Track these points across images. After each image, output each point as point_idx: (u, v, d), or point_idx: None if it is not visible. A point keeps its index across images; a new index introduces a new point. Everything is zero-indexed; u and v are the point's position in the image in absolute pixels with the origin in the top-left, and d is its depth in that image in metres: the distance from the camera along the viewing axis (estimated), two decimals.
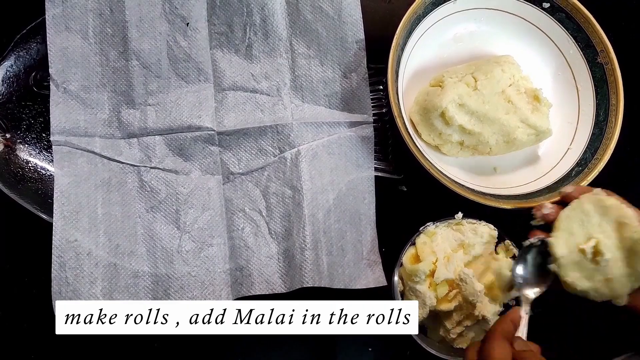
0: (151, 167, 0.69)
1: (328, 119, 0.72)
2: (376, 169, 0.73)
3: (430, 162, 0.66)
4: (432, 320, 0.66)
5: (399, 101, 0.68)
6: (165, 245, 0.68)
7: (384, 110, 0.73)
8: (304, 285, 0.66)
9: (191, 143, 0.70)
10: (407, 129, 0.67)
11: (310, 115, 0.72)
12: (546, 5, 0.73)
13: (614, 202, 0.55)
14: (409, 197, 0.74)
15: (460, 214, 0.67)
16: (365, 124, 0.72)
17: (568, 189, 0.59)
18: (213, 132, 0.70)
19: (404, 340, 0.66)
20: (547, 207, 0.60)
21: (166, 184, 0.70)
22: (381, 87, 0.74)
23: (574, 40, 0.74)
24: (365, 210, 0.71)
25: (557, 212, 0.58)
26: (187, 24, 0.71)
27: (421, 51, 0.75)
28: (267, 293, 0.67)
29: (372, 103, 0.73)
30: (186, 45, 0.71)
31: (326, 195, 0.70)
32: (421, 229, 0.67)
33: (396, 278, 0.66)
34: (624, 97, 0.70)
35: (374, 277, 0.69)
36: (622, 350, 0.66)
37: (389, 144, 0.73)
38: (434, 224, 0.68)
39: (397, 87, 0.69)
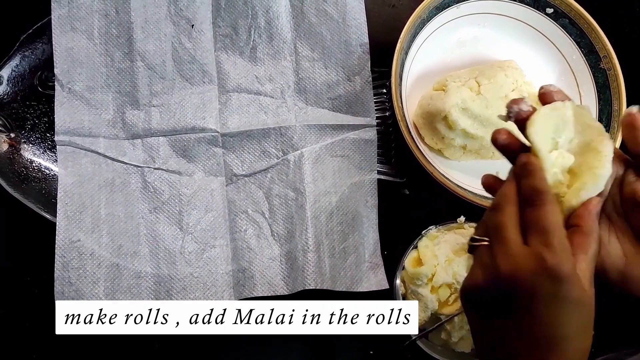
0: (155, 168, 0.69)
1: (331, 121, 0.72)
2: (379, 172, 0.73)
3: (433, 166, 0.66)
4: (433, 324, 0.66)
5: (402, 105, 0.68)
6: (168, 246, 0.68)
7: (387, 114, 0.73)
8: (306, 288, 0.66)
9: (195, 144, 0.70)
10: (410, 132, 0.67)
11: (314, 117, 0.72)
12: (550, 10, 0.74)
13: (599, 126, 0.48)
14: (412, 200, 0.74)
15: (462, 218, 0.68)
16: (368, 127, 0.73)
17: (553, 87, 0.49)
18: (217, 134, 0.70)
19: (405, 343, 0.66)
20: (527, 103, 0.47)
21: (169, 185, 0.70)
22: (385, 90, 0.74)
23: (577, 46, 0.74)
24: (367, 213, 0.71)
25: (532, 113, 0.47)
26: (192, 25, 0.71)
27: (425, 55, 0.75)
28: (269, 295, 0.67)
29: (375, 106, 0.73)
30: (191, 47, 0.71)
31: (329, 197, 0.70)
32: (423, 232, 0.68)
33: (398, 281, 0.67)
34: (626, 103, 0.71)
35: (376, 280, 0.69)
36: (613, 347, 0.66)
37: (392, 147, 0.74)
38: (436, 227, 0.68)
39: (400, 91, 0.69)
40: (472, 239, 0.46)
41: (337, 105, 0.73)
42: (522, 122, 0.48)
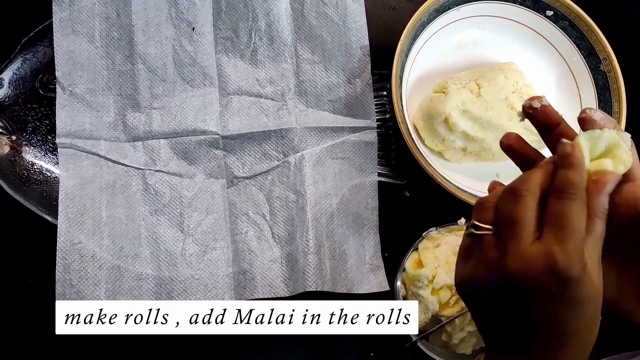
0: (156, 170, 0.70)
1: (332, 124, 0.72)
2: (380, 174, 0.73)
3: (434, 168, 0.67)
4: (434, 326, 0.66)
5: (402, 107, 0.69)
6: (169, 248, 0.68)
7: (387, 116, 0.74)
8: (307, 290, 0.66)
9: (196, 147, 0.70)
10: (410, 134, 0.68)
11: (314, 120, 0.72)
12: (549, 13, 0.74)
13: (630, 160, 0.44)
14: (412, 202, 0.74)
15: (462, 220, 0.68)
16: (368, 129, 0.73)
17: (596, 115, 0.45)
18: (217, 136, 0.70)
19: (405, 345, 0.66)
20: (540, 101, 0.46)
21: (170, 187, 0.70)
22: (385, 92, 0.74)
23: (577, 48, 0.74)
24: (368, 215, 0.71)
25: (556, 116, 0.46)
26: (193, 28, 0.71)
27: (425, 57, 0.75)
28: (269, 297, 0.67)
29: (376, 108, 0.73)
30: (192, 49, 0.71)
31: (329, 199, 0.70)
32: (424, 234, 0.68)
33: (399, 283, 0.67)
34: (626, 105, 0.71)
35: (377, 282, 0.69)
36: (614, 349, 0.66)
37: (393, 149, 0.74)
38: (436, 229, 0.68)
39: (401, 93, 0.69)
40: (474, 226, 0.44)
41: (337, 107, 0.73)
42: (536, 120, 0.47)
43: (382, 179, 0.73)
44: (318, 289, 0.67)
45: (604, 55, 0.73)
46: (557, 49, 0.76)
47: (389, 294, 0.68)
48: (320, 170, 0.71)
